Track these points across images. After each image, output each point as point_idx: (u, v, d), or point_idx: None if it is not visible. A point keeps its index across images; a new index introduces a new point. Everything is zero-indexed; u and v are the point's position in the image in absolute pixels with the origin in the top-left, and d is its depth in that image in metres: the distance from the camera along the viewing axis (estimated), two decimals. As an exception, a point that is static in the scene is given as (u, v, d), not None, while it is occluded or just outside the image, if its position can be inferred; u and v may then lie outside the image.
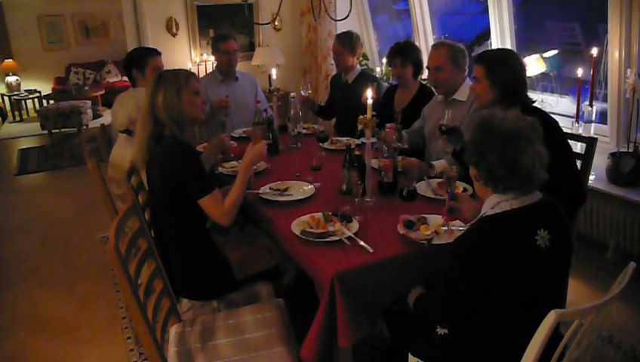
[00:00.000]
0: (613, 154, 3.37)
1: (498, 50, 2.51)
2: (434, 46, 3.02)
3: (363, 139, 2.42)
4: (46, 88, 9.51)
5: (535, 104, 2.41)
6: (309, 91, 3.95)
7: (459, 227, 2.07)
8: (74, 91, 8.79)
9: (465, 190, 2.44)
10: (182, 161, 2.16)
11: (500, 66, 2.35)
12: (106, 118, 3.45)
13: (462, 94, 2.91)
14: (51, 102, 8.77)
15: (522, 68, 2.40)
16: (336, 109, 4.19)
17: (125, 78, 9.44)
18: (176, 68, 2.36)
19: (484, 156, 1.61)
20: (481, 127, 1.64)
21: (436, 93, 3.08)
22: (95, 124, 8.00)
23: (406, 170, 2.68)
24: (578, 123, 3.44)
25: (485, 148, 1.60)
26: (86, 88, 9.12)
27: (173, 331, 2.06)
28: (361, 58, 4.16)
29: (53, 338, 2.96)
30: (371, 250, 1.96)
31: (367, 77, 3.96)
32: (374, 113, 2.33)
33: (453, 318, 1.73)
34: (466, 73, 2.96)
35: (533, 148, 1.57)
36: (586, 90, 3.52)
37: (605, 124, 3.62)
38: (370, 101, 2.31)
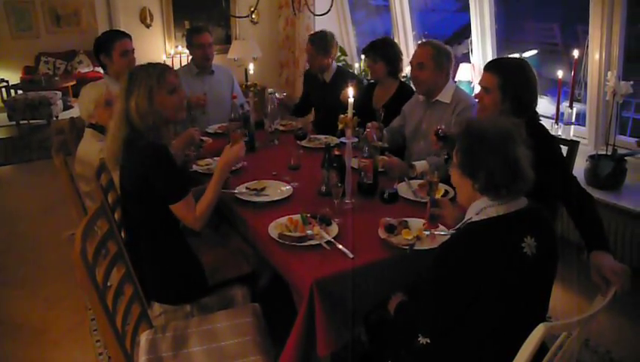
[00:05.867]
0: (592, 157, 3.36)
1: (512, 58, 2.33)
2: (421, 44, 3.00)
3: (343, 139, 2.35)
4: (14, 78, 9.15)
5: None
6: (284, 94, 3.88)
7: (441, 232, 2.02)
8: (43, 81, 8.53)
9: (446, 192, 2.40)
10: (154, 167, 2.05)
11: (516, 77, 2.14)
12: (77, 109, 3.37)
13: (445, 96, 2.86)
14: (19, 92, 8.50)
15: (536, 80, 2.19)
16: (313, 107, 4.11)
17: (98, 69, 9.20)
18: (148, 62, 2.19)
19: (482, 163, 1.54)
20: (471, 133, 1.58)
21: (417, 92, 3.04)
22: (65, 115, 7.79)
23: (387, 169, 2.64)
24: (557, 124, 3.43)
25: (481, 154, 1.54)
26: (56, 78, 8.85)
27: (143, 338, 1.97)
28: (339, 54, 4.09)
29: (18, 341, 2.84)
30: (351, 256, 1.90)
31: (345, 75, 3.89)
32: (354, 112, 2.27)
33: (438, 327, 1.67)
34: (450, 76, 2.90)
35: (522, 148, 1.54)
36: (564, 91, 3.51)
37: (583, 125, 3.63)
38: (351, 100, 2.24)
